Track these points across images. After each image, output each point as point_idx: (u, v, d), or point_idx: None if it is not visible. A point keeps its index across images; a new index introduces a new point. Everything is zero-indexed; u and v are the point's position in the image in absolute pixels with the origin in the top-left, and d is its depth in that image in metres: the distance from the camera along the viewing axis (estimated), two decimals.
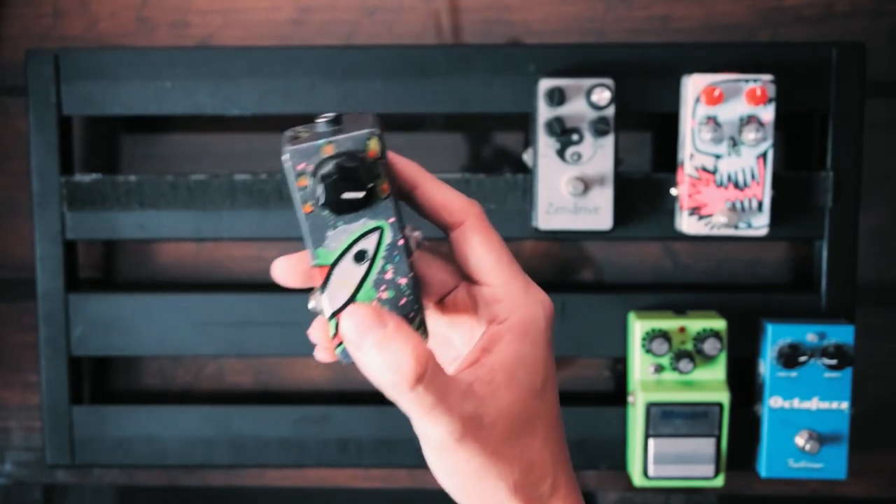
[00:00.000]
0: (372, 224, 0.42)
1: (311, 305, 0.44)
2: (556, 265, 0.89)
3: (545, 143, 0.79)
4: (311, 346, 0.87)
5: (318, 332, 0.45)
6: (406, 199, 0.45)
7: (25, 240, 0.88)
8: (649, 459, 0.80)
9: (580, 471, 0.87)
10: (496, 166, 0.88)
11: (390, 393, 0.41)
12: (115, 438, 0.85)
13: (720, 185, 0.78)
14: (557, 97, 0.77)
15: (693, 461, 0.79)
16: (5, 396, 0.91)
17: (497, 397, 0.42)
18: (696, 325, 0.80)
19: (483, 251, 0.45)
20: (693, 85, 0.77)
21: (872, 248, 0.87)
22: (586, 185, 0.78)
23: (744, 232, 0.79)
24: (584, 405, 0.85)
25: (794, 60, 0.80)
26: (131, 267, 0.90)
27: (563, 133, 0.78)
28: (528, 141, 0.83)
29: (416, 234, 0.45)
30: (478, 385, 0.42)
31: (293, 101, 0.82)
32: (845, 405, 0.80)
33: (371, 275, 0.43)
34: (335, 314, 0.43)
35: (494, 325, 0.44)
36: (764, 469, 0.81)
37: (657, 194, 0.82)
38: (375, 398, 0.90)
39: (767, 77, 0.77)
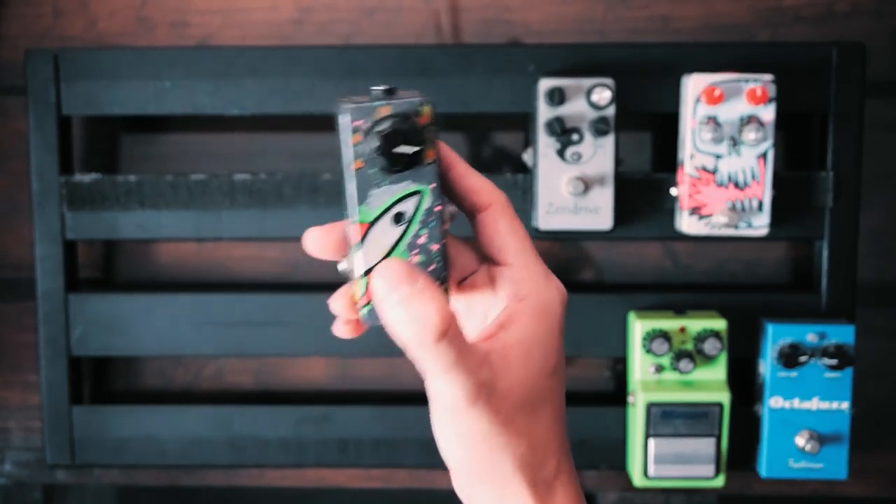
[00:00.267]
0: (413, 187, 0.44)
1: (341, 267, 0.46)
2: (557, 265, 0.89)
3: (545, 143, 0.79)
4: (312, 346, 0.86)
5: (340, 302, 0.46)
6: (440, 178, 0.47)
7: (25, 240, 0.88)
8: (649, 459, 0.80)
9: (580, 471, 0.87)
10: (496, 166, 0.88)
11: (413, 348, 0.42)
12: (115, 438, 0.85)
13: (720, 184, 0.78)
14: (557, 97, 0.77)
15: (693, 461, 0.79)
16: (5, 396, 0.91)
17: (511, 371, 0.43)
18: (696, 325, 0.80)
19: (508, 233, 0.47)
20: (693, 85, 0.77)
21: (872, 248, 0.87)
22: (586, 185, 0.78)
23: (744, 232, 0.79)
24: (584, 405, 0.85)
25: (794, 60, 0.80)
26: (131, 267, 0.90)
27: (563, 133, 0.78)
28: (528, 141, 0.83)
29: (451, 207, 0.47)
30: (493, 356, 0.43)
31: (293, 101, 0.82)
32: (845, 405, 0.80)
33: (406, 237, 0.45)
34: (367, 273, 0.45)
35: (513, 302, 0.45)
36: (764, 469, 0.81)
37: (657, 194, 0.82)
38: (375, 398, 0.91)
39: (767, 77, 0.77)
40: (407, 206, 0.44)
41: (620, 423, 0.84)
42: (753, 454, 0.83)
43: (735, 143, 0.77)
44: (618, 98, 0.79)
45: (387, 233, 0.44)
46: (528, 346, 0.44)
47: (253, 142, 0.89)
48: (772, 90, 0.77)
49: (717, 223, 0.78)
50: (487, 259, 0.48)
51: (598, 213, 0.79)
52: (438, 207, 0.45)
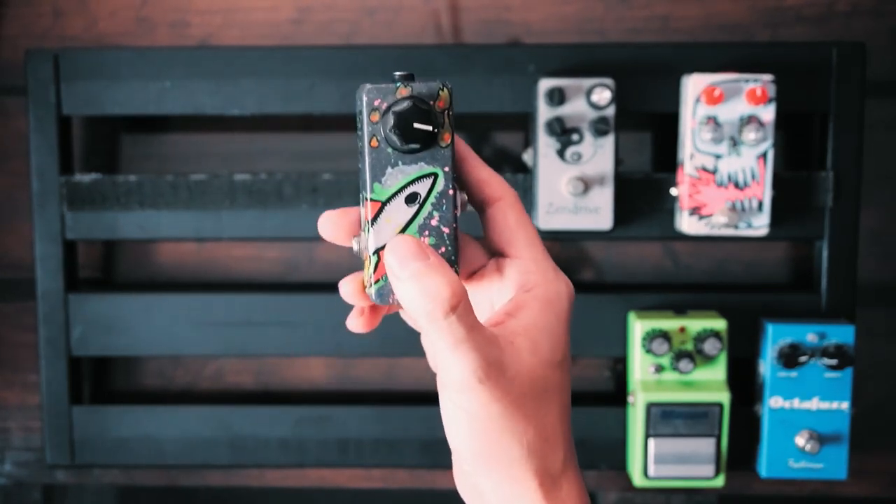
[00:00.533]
0: (428, 169, 0.45)
1: (354, 247, 0.46)
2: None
3: (545, 143, 0.79)
4: (311, 347, 0.86)
5: (350, 286, 0.46)
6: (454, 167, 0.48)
7: (25, 240, 0.88)
8: (649, 459, 0.80)
9: None
10: (496, 166, 0.87)
11: (424, 322, 0.42)
12: (115, 438, 0.85)
13: (720, 184, 0.78)
14: (557, 97, 0.77)
15: (693, 461, 0.79)
16: (5, 396, 0.91)
17: (519, 357, 0.44)
18: (696, 325, 0.80)
19: (518, 226, 0.47)
20: (693, 85, 0.77)
21: (872, 248, 0.87)
22: (586, 185, 0.78)
23: (744, 232, 0.79)
24: (584, 405, 0.85)
25: (794, 60, 0.80)
26: (131, 267, 0.90)
27: (563, 133, 0.78)
28: (528, 141, 0.83)
29: (463, 195, 0.48)
30: (501, 341, 0.43)
31: (293, 101, 0.82)
32: (845, 405, 0.80)
33: (418, 218, 0.45)
34: (378, 251, 0.45)
35: (521, 292, 0.46)
36: (764, 469, 0.81)
37: (657, 194, 0.82)
38: (375, 398, 0.91)
39: (767, 77, 0.77)
40: (421, 188, 0.45)
41: (620, 423, 0.84)
42: (753, 454, 0.83)
43: (735, 143, 0.77)
44: (618, 98, 0.79)
45: (400, 212, 0.45)
46: (535, 335, 0.44)
47: (253, 142, 0.89)
48: (772, 90, 0.77)
49: (717, 223, 0.78)
50: (496, 253, 0.48)
51: (598, 213, 0.79)
52: (452, 191, 0.45)
